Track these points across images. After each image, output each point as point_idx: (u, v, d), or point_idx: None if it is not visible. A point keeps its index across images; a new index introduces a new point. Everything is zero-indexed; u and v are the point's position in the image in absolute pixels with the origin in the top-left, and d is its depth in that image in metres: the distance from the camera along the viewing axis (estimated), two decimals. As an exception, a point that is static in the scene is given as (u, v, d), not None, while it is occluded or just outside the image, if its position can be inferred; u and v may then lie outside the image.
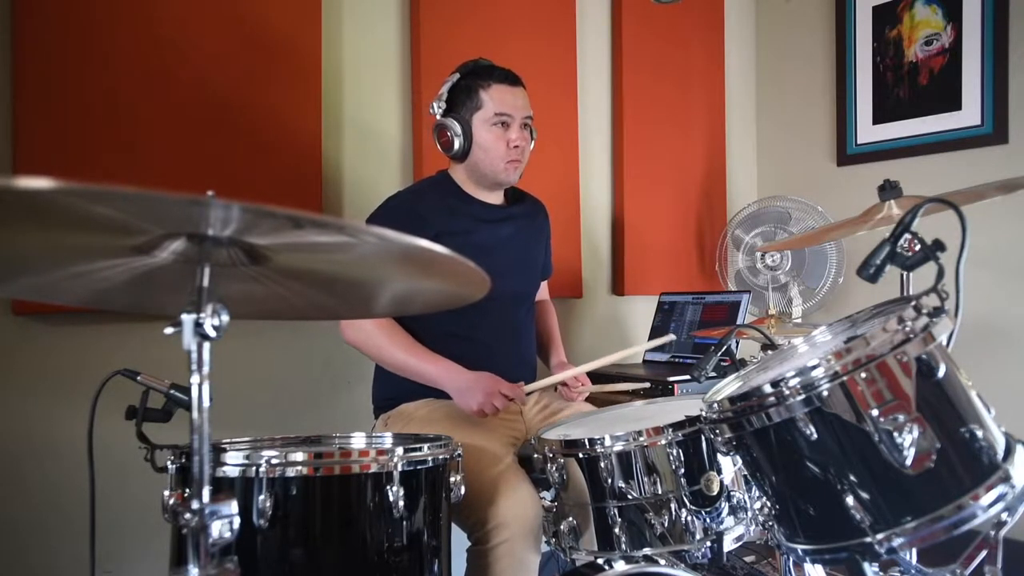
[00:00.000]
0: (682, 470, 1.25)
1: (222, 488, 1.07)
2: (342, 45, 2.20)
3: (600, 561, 1.30)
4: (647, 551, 1.27)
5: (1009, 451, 0.96)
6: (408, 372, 1.72)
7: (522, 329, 1.89)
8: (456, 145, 1.77)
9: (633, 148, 2.86)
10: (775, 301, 2.59)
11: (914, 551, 0.98)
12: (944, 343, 0.98)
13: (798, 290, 2.59)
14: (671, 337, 1.95)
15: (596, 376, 2.25)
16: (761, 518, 1.10)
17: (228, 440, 1.31)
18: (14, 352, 1.72)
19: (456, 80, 1.79)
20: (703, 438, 1.27)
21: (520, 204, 1.97)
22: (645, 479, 1.27)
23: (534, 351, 1.98)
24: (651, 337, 2.60)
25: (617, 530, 1.28)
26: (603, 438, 1.29)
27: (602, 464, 1.29)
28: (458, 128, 1.76)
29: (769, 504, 1.07)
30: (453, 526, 1.31)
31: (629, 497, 1.27)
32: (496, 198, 1.90)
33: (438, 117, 1.79)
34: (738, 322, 2.33)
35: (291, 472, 1.10)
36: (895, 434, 0.90)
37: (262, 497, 1.07)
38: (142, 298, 1.06)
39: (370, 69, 2.26)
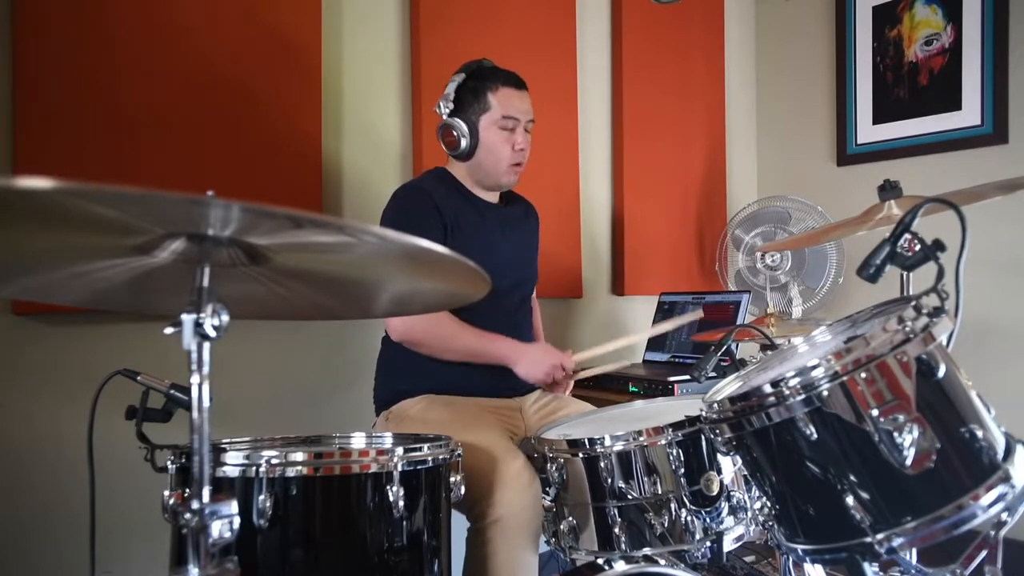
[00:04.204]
0: (682, 470, 1.25)
1: (222, 488, 1.07)
2: (342, 45, 2.20)
3: (600, 561, 1.30)
4: (647, 551, 1.27)
5: (1009, 451, 0.96)
6: (478, 356, 1.74)
7: (521, 329, 1.90)
8: (462, 145, 1.78)
9: (633, 148, 2.86)
10: (775, 301, 2.59)
11: (914, 551, 0.98)
12: (944, 343, 0.98)
13: (798, 290, 2.59)
14: (699, 314, 1.96)
15: (591, 378, 2.27)
16: (761, 518, 1.10)
17: (228, 440, 1.31)
18: (15, 352, 1.72)
19: (463, 80, 1.79)
20: (703, 438, 1.27)
21: (514, 205, 1.99)
22: (645, 479, 1.27)
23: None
24: (651, 337, 2.59)
25: (617, 530, 1.28)
26: (603, 438, 1.29)
27: (602, 464, 1.29)
28: (465, 128, 1.77)
29: (769, 504, 1.07)
30: (453, 521, 1.31)
31: (629, 497, 1.27)
32: (493, 197, 1.92)
33: (445, 117, 1.80)
34: (738, 322, 2.32)
35: (291, 472, 1.09)
36: (895, 434, 0.90)
37: (262, 497, 1.07)
38: (142, 298, 1.07)
39: (370, 69, 2.26)
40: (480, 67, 1.81)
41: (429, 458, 1.19)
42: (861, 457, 0.93)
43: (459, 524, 1.44)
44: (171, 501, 0.83)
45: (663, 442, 1.26)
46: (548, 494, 1.41)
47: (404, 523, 1.15)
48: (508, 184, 1.87)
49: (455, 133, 1.78)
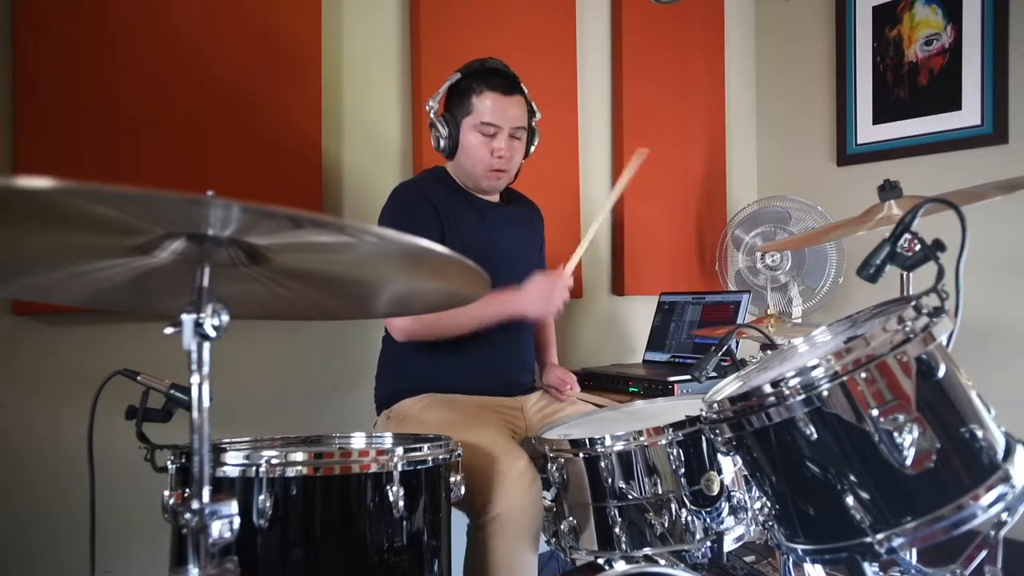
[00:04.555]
0: (682, 470, 1.26)
1: (222, 488, 1.07)
2: (342, 45, 2.20)
3: (600, 561, 1.30)
4: (647, 551, 1.27)
5: (1009, 451, 0.96)
6: (488, 320, 1.70)
7: (521, 329, 1.89)
8: (442, 145, 1.81)
9: (633, 147, 2.84)
10: (775, 301, 2.59)
11: (914, 551, 0.98)
12: (944, 343, 0.98)
13: (798, 290, 2.59)
14: (644, 153, 1.91)
15: (591, 378, 2.28)
16: (761, 518, 1.10)
17: (228, 440, 1.31)
18: (15, 352, 1.72)
19: (456, 80, 1.80)
20: (703, 438, 1.27)
21: (516, 204, 1.99)
22: (645, 479, 1.27)
23: (532, 351, 1.99)
24: (651, 337, 2.59)
25: (617, 530, 1.28)
26: (603, 438, 1.29)
27: (602, 464, 1.29)
28: (446, 130, 1.79)
29: (769, 504, 1.07)
30: (454, 519, 1.31)
31: (629, 497, 1.27)
32: (493, 196, 1.93)
33: (432, 115, 1.82)
34: (738, 322, 2.32)
35: (291, 472, 1.09)
36: (895, 434, 0.90)
37: (262, 497, 1.07)
38: (142, 298, 1.07)
39: (370, 69, 2.26)
40: (479, 66, 1.79)
41: (429, 458, 1.19)
42: (861, 457, 0.93)
43: (459, 523, 1.44)
44: (171, 501, 0.83)
45: (663, 442, 1.26)
46: (549, 494, 1.41)
47: (404, 523, 1.15)
48: (490, 188, 1.87)
49: (435, 133, 1.81)
